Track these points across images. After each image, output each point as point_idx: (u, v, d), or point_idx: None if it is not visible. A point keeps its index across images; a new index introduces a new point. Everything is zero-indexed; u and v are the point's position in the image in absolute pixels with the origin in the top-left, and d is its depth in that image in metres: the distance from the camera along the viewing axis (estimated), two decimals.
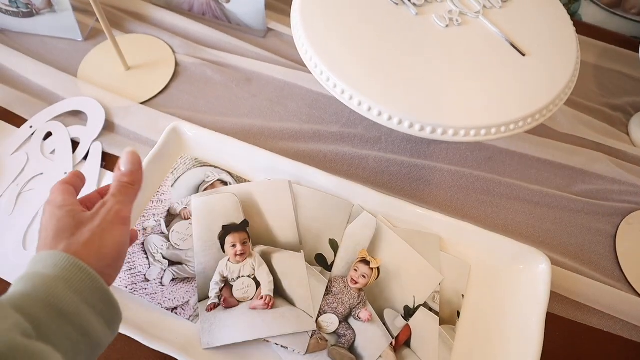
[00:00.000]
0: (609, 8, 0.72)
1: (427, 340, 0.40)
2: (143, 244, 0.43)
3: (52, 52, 0.60)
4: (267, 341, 0.38)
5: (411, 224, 0.45)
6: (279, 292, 0.41)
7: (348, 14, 0.44)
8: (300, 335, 0.39)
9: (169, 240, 0.43)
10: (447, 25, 0.44)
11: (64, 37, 0.61)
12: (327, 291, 0.41)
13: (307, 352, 0.38)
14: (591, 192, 0.53)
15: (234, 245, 0.42)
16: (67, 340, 0.24)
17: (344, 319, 0.40)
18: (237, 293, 0.40)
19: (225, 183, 0.47)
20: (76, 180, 0.33)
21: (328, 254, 0.43)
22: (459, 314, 0.42)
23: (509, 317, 0.41)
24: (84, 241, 0.28)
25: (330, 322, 0.40)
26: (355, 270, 0.42)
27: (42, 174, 0.49)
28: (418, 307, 0.41)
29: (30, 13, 0.59)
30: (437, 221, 0.45)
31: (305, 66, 0.43)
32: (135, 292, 0.40)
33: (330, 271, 0.43)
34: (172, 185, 0.47)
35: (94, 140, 0.52)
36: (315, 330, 0.39)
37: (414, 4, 0.45)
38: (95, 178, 0.49)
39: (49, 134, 0.52)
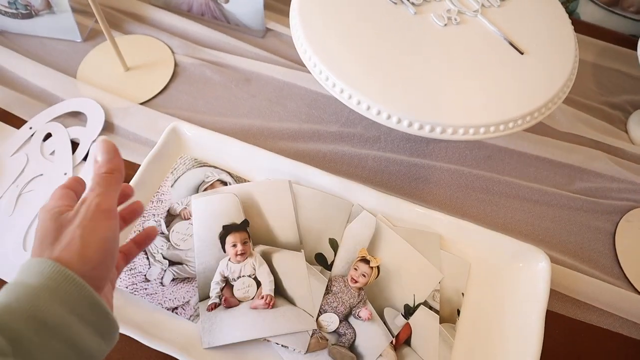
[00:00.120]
0: (607, 6, 0.72)
1: (428, 339, 0.40)
2: None
3: (52, 53, 0.60)
4: (268, 340, 0.39)
5: (411, 223, 0.45)
6: (280, 291, 0.41)
7: (346, 13, 0.44)
8: (301, 334, 0.39)
9: (169, 241, 0.43)
10: (445, 24, 0.44)
11: (63, 38, 0.61)
12: (327, 290, 0.42)
13: (307, 351, 0.38)
14: (590, 190, 0.54)
15: (234, 245, 0.42)
16: (52, 355, 0.23)
17: (344, 318, 0.40)
18: (237, 293, 0.40)
19: (224, 183, 0.47)
20: (76, 185, 0.31)
21: (328, 253, 0.43)
22: (459, 312, 0.42)
23: (509, 315, 0.41)
24: (65, 244, 0.26)
25: (331, 321, 0.40)
26: (355, 269, 0.43)
27: (42, 175, 0.49)
28: (418, 305, 0.41)
29: (30, 14, 0.59)
30: (437, 220, 0.45)
31: (304, 66, 0.43)
32: (136, 292, 0.40)
33: (330, 270, 0.43)
34: (171, 186, 0.47)
35: (94, 141, 0.52)
36: (315, 330, 0.39)
37: (413, 3, 0.45)
38: None
39: (48, 135, 0.52)
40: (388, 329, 0.40)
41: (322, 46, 0.41)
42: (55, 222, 0.27)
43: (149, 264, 0.42)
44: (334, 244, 0.44)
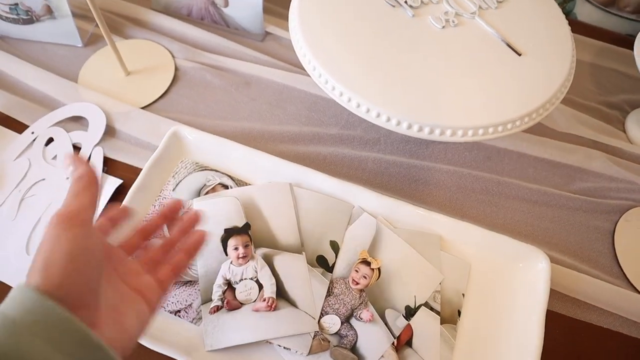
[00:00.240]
0: (603, 7, 0.73)
1: (429, 340, 0.40)
2: None
3: (53, 58, 0.61)
4: (270, 343, 0.39)
5: (411, 225, 0.46)
6: (281, 294, 0.41)
7: (345, 16, 0.44)
8: (303, 336, 0.39)
9: None
10: (443, 27, 0.44)
11: (64, 43, 0.62)
12: (329, 292, 0.42)
13: (309, 353, 0.39)
14: (589, 189, 0.54)
15: (236, 248, 0.42)
16: None
17: (346, 320, 0.41)
18: (240, 295, 0.41)
19: (226, 187, 0.48)
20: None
21: (329, 255, 0.44)
22: (459, 312, 0.42)
23: (509, 315, 0.42)
24: (36, 267, 0.22)
25: (332, 323, 0.40)
26: (356, 271, 0.43)
27: (44, 179, 0.50)
28: (419, 306, 0.41)
29: (31, 20, 0.59)
30: (437, 221, 0.45)
31: (303, 69, 0.43)
32: None
33: (331, 272, 0.43)
34: (173, 190, 0.47)
35: (95, 146, 0.52)
36: (317, 331, 0.40)
37: (410, 6, 0.45)
38: None
39: (50, 140, 0.52)
40: (389, 330, 0.40)
41: (321, 49, 0.42)
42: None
43: None
44: (335, 246, 0.44)
